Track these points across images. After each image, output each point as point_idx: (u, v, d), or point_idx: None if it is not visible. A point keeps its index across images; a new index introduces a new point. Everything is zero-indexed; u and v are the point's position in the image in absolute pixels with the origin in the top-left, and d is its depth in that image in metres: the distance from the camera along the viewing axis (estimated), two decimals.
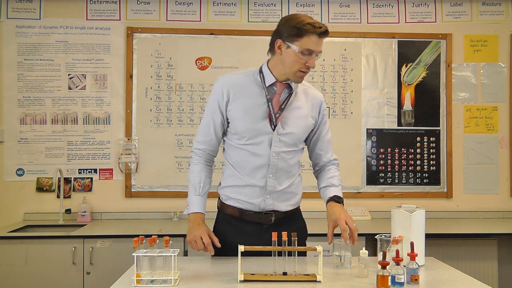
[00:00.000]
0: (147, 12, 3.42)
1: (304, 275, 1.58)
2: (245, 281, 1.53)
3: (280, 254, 1.58)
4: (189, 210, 1.86)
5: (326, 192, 1.88)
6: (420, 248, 1.71)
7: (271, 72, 1.81)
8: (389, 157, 3.50)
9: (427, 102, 3.51)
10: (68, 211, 3.24)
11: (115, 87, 3.40)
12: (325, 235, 1.74)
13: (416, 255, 1.54)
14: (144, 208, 3.37)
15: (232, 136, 1.86)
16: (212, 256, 1.83)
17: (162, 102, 3.40)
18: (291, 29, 1.70)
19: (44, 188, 3.34)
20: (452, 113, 3.51)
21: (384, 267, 1.45)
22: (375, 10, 3.53)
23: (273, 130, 1.80)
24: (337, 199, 1.83)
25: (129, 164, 3.36)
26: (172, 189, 3.38)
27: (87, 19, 3.39)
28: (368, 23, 3.52)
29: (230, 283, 1.52)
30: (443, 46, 3.52)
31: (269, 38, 1.81)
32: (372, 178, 3.49)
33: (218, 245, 1.79)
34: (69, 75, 3.38)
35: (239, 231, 1.86)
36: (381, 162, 3.50)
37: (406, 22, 3.53)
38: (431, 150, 3.51)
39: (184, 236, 2.73)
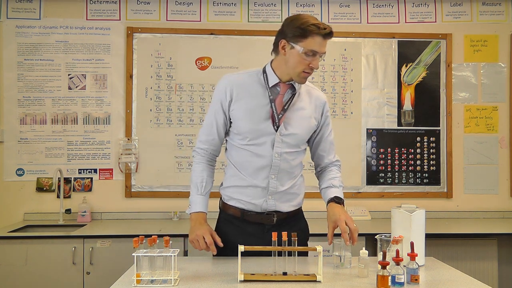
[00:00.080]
0: (147, 12, 3.42)
1: (304, 275, 1.58)
2: (245, 281, 1.53)
3: (280, 254, 1.58)
4: (191, 210, 1.85)
5: (327, 193, 1.88)
6: (420, 248, 1.71)
7: (275, 73, 1.80)
8: (389, 157, 3.50)
9: (427, 102, 3.51)
10: (68, 211, 3.24)
11: (115, 87, 3.40)
12: (325, 235, 1.74)
13: (416, 255, 1.54)
14: (144, 208, 3.37)
15: (235, 136, 1.85)
16: (213, 256, 1.82)
17: (162, 102, 3.40)
18: (296, 29, 1.69)
19: (44, 188, 3.34)
20: (452, 113, 3.51)
21: (384, 267, 1.45)
22: (375, 10, 3.53)
23: (276, 131, 1.79)
24: (337, 200, 1.82)
25: (129, 164, 3.36)
26: (172, 189, 3.38)
27: (87, 19, 3.39)
28: (368, 23, 3.52)
29: (230, 283, 1.52)
30: (443, 46, 3.52)
31: (269, 38, 1.81)
32: (372, 178, 3.49)
33: (221, 244, 1.78)
34: (69, 75, 3.38)
35: (241, 231, 1.86)
36: (381, 162, 3.50)
37: (406, 22, 3.53)
38: (431, 150, 3.51)
39: (184, 236, 2.74)
